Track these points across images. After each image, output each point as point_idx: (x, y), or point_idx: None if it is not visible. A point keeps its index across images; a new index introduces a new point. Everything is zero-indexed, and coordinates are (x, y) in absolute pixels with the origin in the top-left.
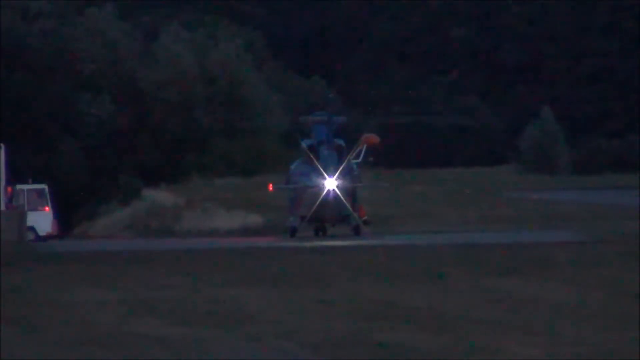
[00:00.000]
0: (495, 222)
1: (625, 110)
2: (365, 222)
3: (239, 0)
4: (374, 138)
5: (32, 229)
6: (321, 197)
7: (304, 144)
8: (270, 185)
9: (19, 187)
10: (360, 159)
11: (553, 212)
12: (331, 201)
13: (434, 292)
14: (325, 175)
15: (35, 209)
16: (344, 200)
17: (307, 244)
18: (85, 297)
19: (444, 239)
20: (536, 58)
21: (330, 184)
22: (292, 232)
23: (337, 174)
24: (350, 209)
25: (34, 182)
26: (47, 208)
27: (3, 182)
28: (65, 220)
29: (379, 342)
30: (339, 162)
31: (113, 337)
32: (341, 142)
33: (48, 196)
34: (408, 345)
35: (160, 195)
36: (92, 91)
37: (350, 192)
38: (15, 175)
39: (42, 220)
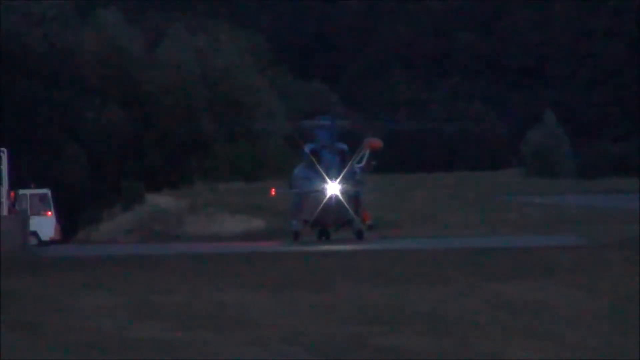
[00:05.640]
0: (499, 226)
1: (627, 114)
2: (370, 227)
3: (242, 5)
4: (376, 142)
5: (35, 233)
6: (324, 201)
7: (307, 149)
8: (273, 190)
9: (21, 191)
10: (363, 164)
11: (556, 216)
12: (333, 205)
13: (437, 297)
14: (328, 179)
15: (38, 214)
16: (347, 205)
17: (310, 248)
18: (88, 302)
19: (447, 243)
20: (539, 62)
21: (333, 188)
22: (296, 237)
23: (339, 178)
24: (353, 213)
25: (36, 186)
26: (49, 213)
27: (6, 187)
28: (68, 225)
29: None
30: (342, 167)
31: (116, 341)
32: (344, 146)
33: (51, 201)
34: (411, 349)
35: (163, 200)
36: (96, 96)
37: (352, 197)
38: (18, 180)
39: (45, 225)
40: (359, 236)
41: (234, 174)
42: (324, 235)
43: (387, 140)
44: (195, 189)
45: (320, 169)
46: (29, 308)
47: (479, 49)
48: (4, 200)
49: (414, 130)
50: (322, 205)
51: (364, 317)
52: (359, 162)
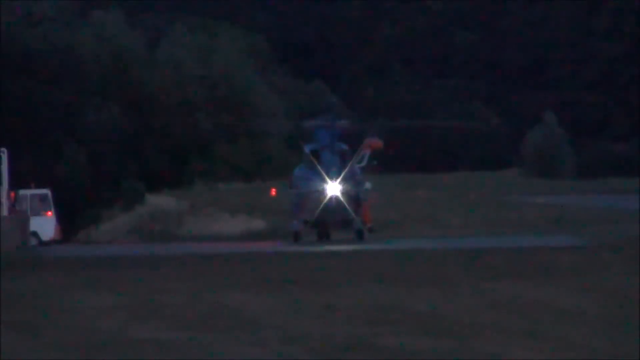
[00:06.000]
0: (499, 226)
1: (628, 115)
2: (370, 230)
3: (242, 5)
4: (377, 143)
5: (35, 234)
6: (324, 202)
7: (307, 149)
8: (274, 190)
9: (22, 192)
10: (363, 164)
11: (556, 216)
12: (334, 206)
13: (438, 297)
14: (328, 180)
15: (38, 214)
16: (347, 205)
17: (311, 249)
18: (88, 302)
19: (448, 244)
20: (540, 63)
21: (333, 188)
22: (296, 237)
23: (339, 178)
24: (353, 213)
25: (37, 187)
26: (50, 213)
27: (6, 187)
28: (68, 225)
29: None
30: (342, 167)
31: (116, 342)
32: (344, 146)
33: (51, 201)
34: (412, 350)
35: (163, 200)
36: (97, 96)
37: (353, 197)
38: (18, 180)
39: (45, 225)
40: (360, 236)
41: (234, 174)
42: (324, 235)
43: (387, 141)
44: (196, 189)
45: (321, 169)
46: (29, 308)
47: (479, 49)
48: (4, 200)
49: (414, 130)
50: (322, 205)
51: (364, 317)
52: (360, 162)
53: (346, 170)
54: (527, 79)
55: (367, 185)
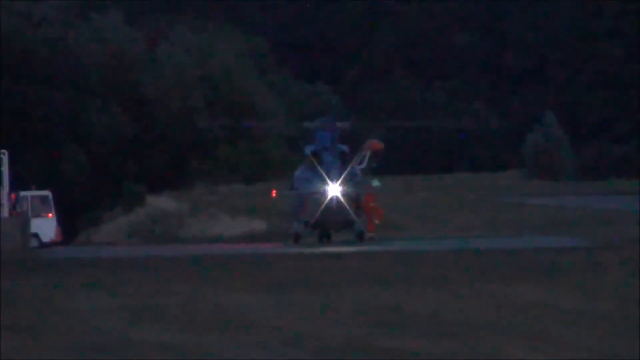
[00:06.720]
0: (499, 227)
1: (629, 116)
2: (371, 238)
3: (243, 7)
4: (377, 144)
5: (35, 235)
6: (325, 203)
7: (308, 150)
8: (274, 191)
9: (22, 193)
10: (364, 165)
11: (557, 218)
12: (334, 207)
13: (439, 298)
14: (329, 181)
15: (39, 216)
16: (347, 207)
17: (311, 250)
18: (88, 304)
19: (449, 245)
20: (540, 64)
21: (334, 190)
22: (296, 238)
23: (340, 180)
24: (354, 215)
25: (37, 188)
26: (50, 214)
27: (6, 189)
28: (69, 226)
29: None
30: (342, 168)
31: (117, 343)
32: (344, 148)
33: (52, 202)
34: (412, 351)
35: (164, 202)
36: (97, 98)
37: (353, 199)
38: (18, 182)
39: (46, 226)
40: (360, 238)
41: (235, 175)
42: (324, 237)
43: (388, 142)
44: (196, 191)
45: (321, 171)
46: (29, 309)
47: (479, 51)
48: (5, 201)
49: (414, 131)
50: (322, 207)
51: (364, 319)
52: (360, 163)
53: (347, 171)
54: (527, 79)
55: (376, 183)
